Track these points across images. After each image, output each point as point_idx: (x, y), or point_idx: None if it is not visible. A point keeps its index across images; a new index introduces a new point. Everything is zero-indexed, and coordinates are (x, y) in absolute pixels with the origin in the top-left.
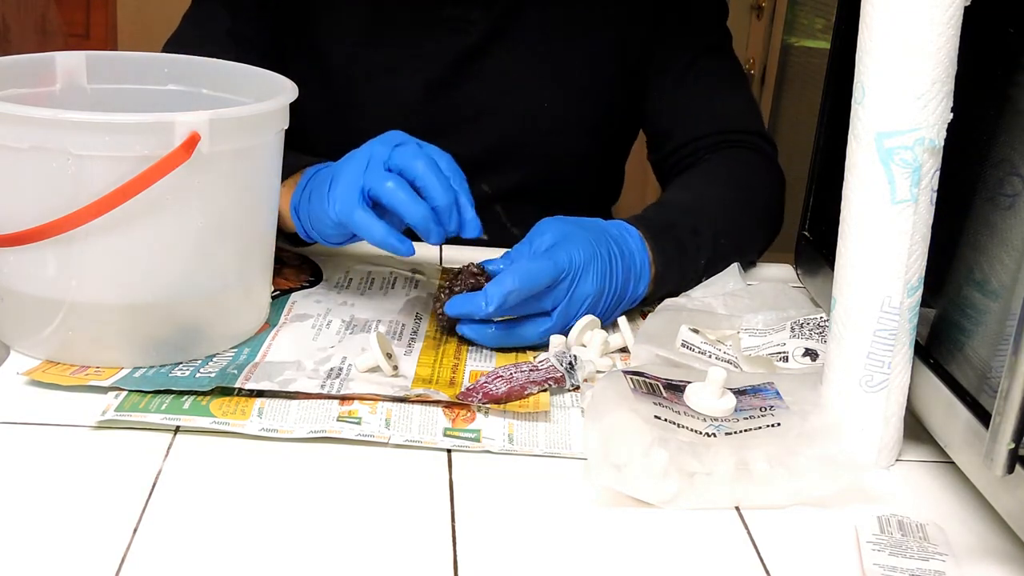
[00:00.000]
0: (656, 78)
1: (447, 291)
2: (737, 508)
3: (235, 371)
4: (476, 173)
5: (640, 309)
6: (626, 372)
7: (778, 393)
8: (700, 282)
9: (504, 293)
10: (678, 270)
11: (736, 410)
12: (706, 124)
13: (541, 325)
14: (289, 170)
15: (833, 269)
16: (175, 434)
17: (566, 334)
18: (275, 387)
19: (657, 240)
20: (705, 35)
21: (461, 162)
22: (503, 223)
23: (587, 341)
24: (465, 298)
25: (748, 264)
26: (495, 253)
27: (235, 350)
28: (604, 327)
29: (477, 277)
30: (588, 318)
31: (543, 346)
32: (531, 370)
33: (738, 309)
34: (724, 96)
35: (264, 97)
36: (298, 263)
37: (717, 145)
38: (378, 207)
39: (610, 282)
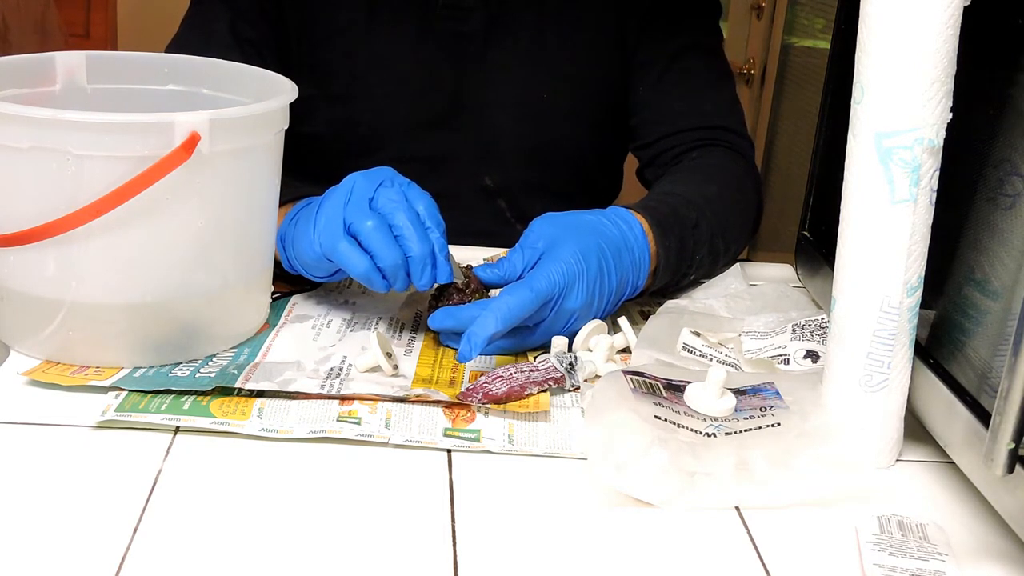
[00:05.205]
0: (642, 69)
1: (434, 302)
2: (737, 508)
3: (235, 371)
4: (478, 166)
5: (641, 310)
6: (626, 372)
7: (778, 393)
8: (690, 276)
9: (487, 337)
10: (676, 264)
11: (736, 410)
12: (688, 118)
13: (523, 338)
14: (284, 197)
15: (833, 269)
16: (175, 434)
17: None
18: (275, 387)
19: (662, 233)
20: (694, 31)
21: (463, 154)
22: (507, 218)
23: (593, 346)
24: (448, 314)
25: (730, 262)
26: (495, 249)
27: (235, 350)
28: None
29: (462, 292)
30: (594, 323)
31: (543, 346)
32: (531, 370)
33: (739, 311)
34: (708, 92)
35: (264, 97)
36: None
37: (699, 141)
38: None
39: (600, 292)
